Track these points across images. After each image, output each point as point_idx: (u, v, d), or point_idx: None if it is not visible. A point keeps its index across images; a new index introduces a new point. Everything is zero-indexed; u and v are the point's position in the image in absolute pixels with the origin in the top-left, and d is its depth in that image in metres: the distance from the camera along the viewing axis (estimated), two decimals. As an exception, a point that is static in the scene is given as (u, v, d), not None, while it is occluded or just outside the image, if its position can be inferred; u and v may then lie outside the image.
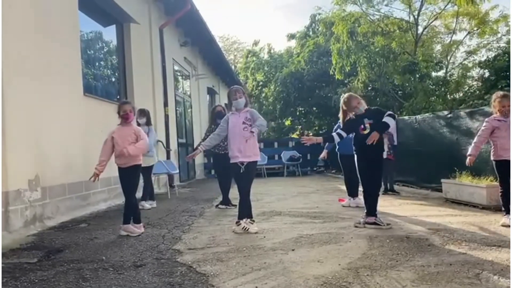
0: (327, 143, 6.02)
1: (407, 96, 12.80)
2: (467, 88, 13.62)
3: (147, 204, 6.16)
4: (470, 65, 14.67)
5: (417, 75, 11.72)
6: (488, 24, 13.83)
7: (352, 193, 6.02)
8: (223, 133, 4.53)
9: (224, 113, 5.83)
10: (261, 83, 20.59)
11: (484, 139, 4.56)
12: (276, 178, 12.57)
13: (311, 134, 17.69)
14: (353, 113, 4.49)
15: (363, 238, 3.85)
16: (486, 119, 4.61)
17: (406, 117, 9.26)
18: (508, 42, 12.79)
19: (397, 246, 3.50)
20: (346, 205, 5.99)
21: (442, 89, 12.13)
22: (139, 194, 5.40)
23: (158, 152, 7.93)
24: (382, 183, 6.78)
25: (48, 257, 3.47)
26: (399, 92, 13.66)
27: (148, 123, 6.25)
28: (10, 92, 4.35)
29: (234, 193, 5.36)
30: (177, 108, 10.98)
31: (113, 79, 8.02)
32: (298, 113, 18.96)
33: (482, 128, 4.57)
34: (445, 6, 12.86)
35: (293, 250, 3.48)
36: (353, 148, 4.59)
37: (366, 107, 4.52)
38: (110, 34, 7.76)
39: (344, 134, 4.51)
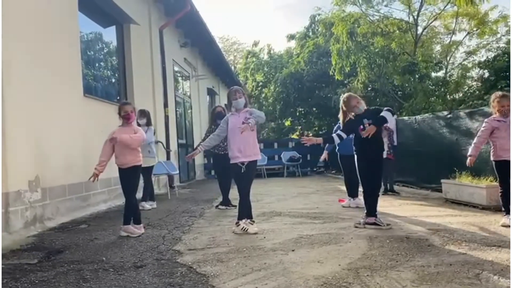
0: (327, 144, 6.03)
1: (406, 96, 12.81)
2: (467, 88, 13.63)
3: (147, 205, 6.16)
4: (469, 65, 14.70)
5: (417, 76, 11.72)
6: (487, 25, 13.85)
7: (352, 193, 6.02)
8: (222, 134, 4.54)
9: (224, 114, 5.83)
10: (261, 83, 20.59)
11: (483, 140, 4.56)
12: (276, 178, 12.57)
13: (311, 134, 17.68)
14: (353, 113, 4.49)
15: (363, 238, 3.85)
16: (486, 120, 4.62)
17: (406, 118, 9.26)
18: (507, 43, 12.81)
19: (397, 246, 3.51)
20: (346, 205, 5.99)
21: (442, 89, 12.13)
22: (139, 194, 5.40)
23: (158, 153, 7.94)
24: (382, 184, 6.79)
25: (48, 258, 3.47)
26: (399, 93, 13.67)
27: (148, 123, 6.27)
28: (10, 93, 4.35)
29: (234, 194, 5.37)
30: (177, 109, 10.99)
31: (113, 80, 8.02)
32: (298, 114, 18.97)
33: (482, 128, 4.57)
34: (445, 7, 12.88)
35: (293, 250, 3.48)
36: (353, 148, 4.60)
37: (365, 107, 4.53)
38: (110, 35, 7.77)
39: (344, 135, 4.51)
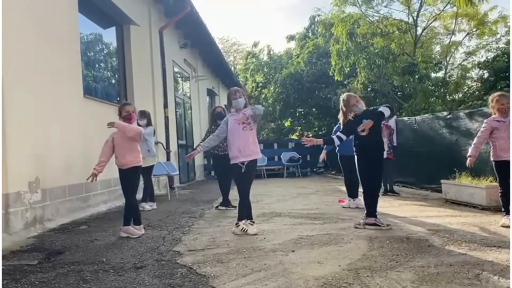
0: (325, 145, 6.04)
1: (406, 97, 12.82)
2: (467, 89, 13.62)
3: (147, 206, 6.17)
4: (469, 66, 14.71)
5: (417, 76, 11.73)
6: (487, 25, 13.86)
7: (352, 194, 6.02)
8: (222, 135, 4.54)
9: (224, 114, 5.84)
10: (260, 84, 20.61)
11: (483, 140, 4.57)
12: (276, 179, 12.57)
13: (310, 135, 17.68)
14: (353, 113, 4.49)
15: (363, 239, 3.86)
16: (485, 120, 4.62)
17: (406, 118, 9.27)
18: (507, 43, 12.80)
19: (397, 247, 3.51)
20: (346, 206, 5.99)
21: (442, 90, 12.13)
22: (139, 195, 5.40)
23: (158, 154, 7.94)
24: (382, 184, 6.80)
25: (48, 259, 3.47)
26: (399, 93, 13.67)
27: (148, 124, 6.28)
28: (10, 94, 4.35)
29: (234, 195, 5.37)
30: (177, 110, 10.99)
31: (113, 81, 8.02)
32: (297, 114, 18.97)
33: (481, 129, 4.58)
34: (444, 7, 12.90)
35: (293, 251, 3.49)
36: (353, 149, 4.60)
37: (364, 107, 4.54)
38: (110, 36, 7.77)
39: (344, 137, 4.51)
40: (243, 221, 4.29)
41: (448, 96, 12.23)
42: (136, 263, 3.26)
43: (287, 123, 20.12)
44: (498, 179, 4.54)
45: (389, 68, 12.09)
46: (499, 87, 9.31)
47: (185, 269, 3.07)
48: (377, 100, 13.25)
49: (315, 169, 14.66)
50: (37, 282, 2.87)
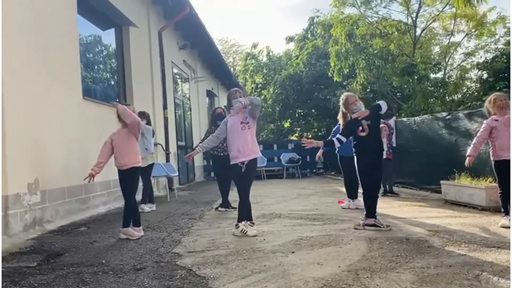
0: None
1: (405, 97, 12.82)
2: (466, 89, 13.64)
3: (146, 207, 6.16)
4: (468, 66, 14.70)
5: (416, 77, 11.74)
6: (486, 26, 13.87)
7: (352, 195, 6.02)
8: (221, 135, 4.55)
9: (224, 115, 5.85)
10: (260, 85, 20.62)
11: (483, 140, 4.56)
12: (275, 180, 12.56)
13: (310, 136, 17.69)
14: (352, 113, 4.50)
15: (363, 240, 3.85)
16: (485, 121, 4.62)
17: (405, 119, 9.28)
18: (506, 44, 12.81)
19: (396, 248, 3.51)
20: (346, 207, 5.99)
21: (441, 90, 12.15)
22: (138, 197, 5.40)
23: (158, 155, 7.93)
24: (382, 185, 6.80)
25: (47, 261, 3.46)
26: (398, 94, 13.68)
27: (148, 125, 6.27)
28: (10, 96, 4.35)
29: (234, 196, 5.37)
30: (177, 111, 10.99)
31: (112, 83, 8.02)
32: (297, 115, 18.98)
33: (481, 129, 4.58)
34: (443, 8, 12.92)
35: (293, 252, 3.48)
36: (353, 149, 4.60)
37: (363, 108, 4.54)
38: (109, 37, 7.77)
39: (343, 139, 4.50)
40: (243, 223, 4.29)
41: (447, 97, 12.25)
42: (135, 265, 3.26)
43: (286, 124, 20.12)
44: (497, 180, 4.53)
45: (388, 69, 12.10)
46: (498, 87, 9.32)
47: (185, 270, 3.07)
48: (376, 101, 13.24)
49: (314, 170, 14.67)
50: (36, 284, 2.86)
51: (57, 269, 3.22)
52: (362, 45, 12.37)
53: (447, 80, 13.32)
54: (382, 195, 6.73)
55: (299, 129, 19.74)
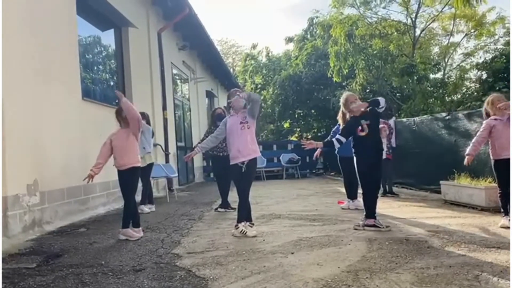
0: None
1: (405, 98, 12.83)
2: (465, 90, 13.66)
3: (146, 208, 6.15)
4: (467, 67, 14.72)
5: (415, 77, 11.75)
6: (485, 26, 13.88)
7: (352, 195, 6.02)
8: (220, 136, 4.55)
9: (224, 115, 5.85)
10: (259, 86, 20.62)
11: (482, 139, 4.56)
12: (275, 180, 12.56)
13: (309, 136, 17.69)
14: (352, 113, 4.50)
15: (363, 240, 3.85)
16: (485, 121, 4.62)
17: (405, 119, 9.28)
18: (505, 44, 12.84)
19: (396, 248, 3.51)
20: (345, 207, 5.99)
21: (440, 91, 12.16)
22: (138, 198, 5.39)
23: (157, 156, 7.94)
24: (381, 185, 6.80)
25: (47, 262, 3.46)
26: (397, 94, 13.69)
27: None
28: (9, 97, 4.35)
29: (233, 196, 5.36)
30: (176, 112, 10.99)
31: (112, 83, 8.02)
32: (296, 116, 18.98)
33: (481, 128, 4.58)
34: (442, 9, 12.93)
35: (292, 253, 3.48)
36: (352, 150, 4.60)
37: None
38: (108, 38, 7.77)
39: (343, 140, 4.49)
40: (243, 223, 4.28)
41: (446, 97, 12.26)
42: (135, 266, 3.25)
43: (286, 125, 20.13)
44: (497, 179, 4.53)
45: (388, 69, 12.11)
46: (498, 88, 9.34)
47: (184, 271, 3.06)
48: (376, 101, 13.24)
49: (314, 171, 14.66)
50: (35, 286, 2.86)
51: (57, 270, 3.22)
52: (361, 46, 12.38)
53: (446, 80, 13.33)
54: (381, 196, 6.73)
55: (298, 129, 19.75)
